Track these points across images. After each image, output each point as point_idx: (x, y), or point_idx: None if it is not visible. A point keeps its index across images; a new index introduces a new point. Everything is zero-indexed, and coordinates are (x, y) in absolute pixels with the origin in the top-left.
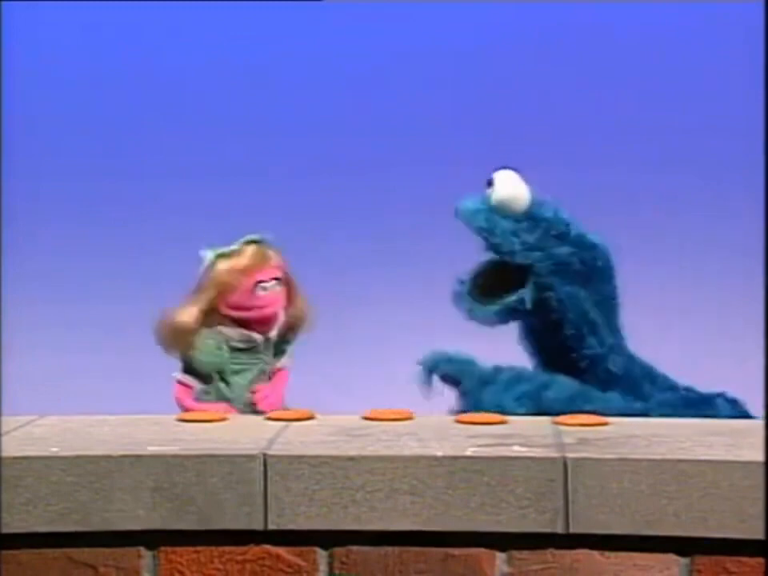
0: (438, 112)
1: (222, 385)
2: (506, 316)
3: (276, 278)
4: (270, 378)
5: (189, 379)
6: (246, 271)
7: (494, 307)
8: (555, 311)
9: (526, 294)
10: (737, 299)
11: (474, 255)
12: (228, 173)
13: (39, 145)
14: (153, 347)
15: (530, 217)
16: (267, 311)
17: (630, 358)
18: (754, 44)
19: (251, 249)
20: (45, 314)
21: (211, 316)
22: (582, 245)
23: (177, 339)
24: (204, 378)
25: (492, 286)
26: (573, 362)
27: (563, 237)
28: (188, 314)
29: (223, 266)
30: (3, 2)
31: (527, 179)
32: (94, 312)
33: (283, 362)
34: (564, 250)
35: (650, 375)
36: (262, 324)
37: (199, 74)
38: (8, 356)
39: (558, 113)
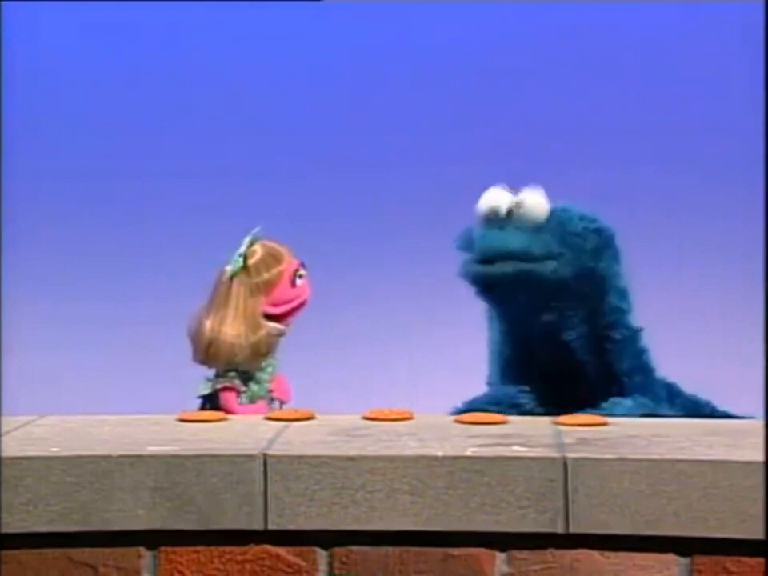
0: (438, 112)
1: (252, 383)
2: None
3: (302, 264)
4: None
5: (236, 383)
6: (276, 264)
7: (527, 266)
8: (598, 285)
9: (566, 262)
10: (737, 299)
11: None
12: (228, 172)
13: (39, 145)
14: (153, 347)
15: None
16: (305, 297)
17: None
18: (754, 44)
19: (259, 246)
20: (45, 314)
21: (253, 324)
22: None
23: (220, 356)
24: (244, 380)
25: None
26: (602, 345)
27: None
28: (234, 330)
29: (260, 272)
30: (3, 2)
31: (526, 179)
32: (93, 312)
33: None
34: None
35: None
36: (297, 314)
37: (199, 74)
38: (8, 356)
39: (557, 113)
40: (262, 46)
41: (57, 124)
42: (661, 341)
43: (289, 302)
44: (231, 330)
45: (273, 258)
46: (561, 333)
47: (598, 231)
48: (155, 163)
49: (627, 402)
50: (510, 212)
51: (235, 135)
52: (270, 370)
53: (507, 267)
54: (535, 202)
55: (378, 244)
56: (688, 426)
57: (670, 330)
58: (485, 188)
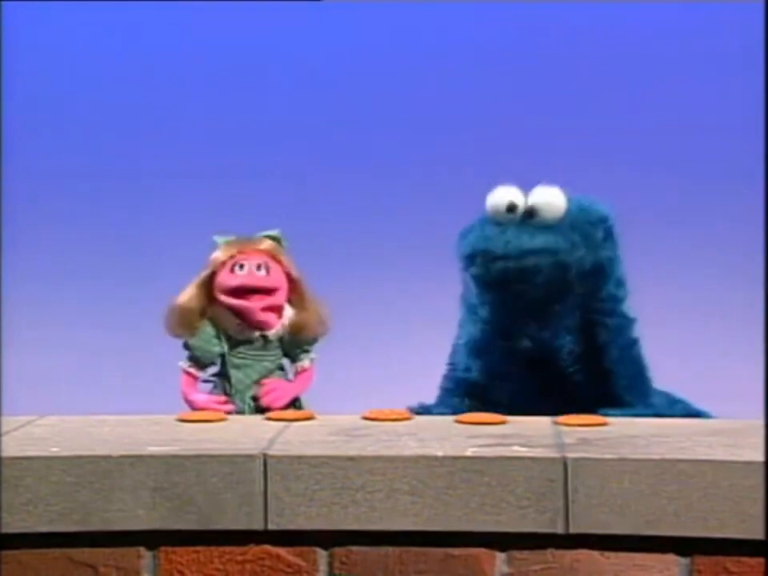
0: (438, 112)
1: (220, 378)
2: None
3: (261, 264)
4: (295, 377)
5: (194, 369)
6: (237, 250)
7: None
8: (602, 272)
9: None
10: (737, 299)
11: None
12: (229, 172)
13: (39, 145)
14: (152, 347)
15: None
16: (243, 302)
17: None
18: (754, 44)
19: (263, 240)
20: (45, 314)
21: (209, 300)
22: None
23: (177, 321)
24: (204, 367)
25: None
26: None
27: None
28: (187, 295)
29: (223, 247)
30: (3, 2)
31: (526, 179)
32: (93, 312)
33: (305, 363)
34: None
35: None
36: (243, 316)
37: (199, 73)
38: (8, 356)
39: (556, 113)
40: (261, 46)
41: (57, 124)
42: (660, 341)
43: (225, 291)
44: (187, 291)
45: (227, 245)
46: (557, 324)
47: (604, 219)
48: (155, 163)
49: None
50: (530, 212)
51: (235, 135)
52: (250, 372)
53: (531, 261)
54: (551, 199)
55: (378, 244)
56: (688, 425)
57: (671, 330)
58: (485, 187)
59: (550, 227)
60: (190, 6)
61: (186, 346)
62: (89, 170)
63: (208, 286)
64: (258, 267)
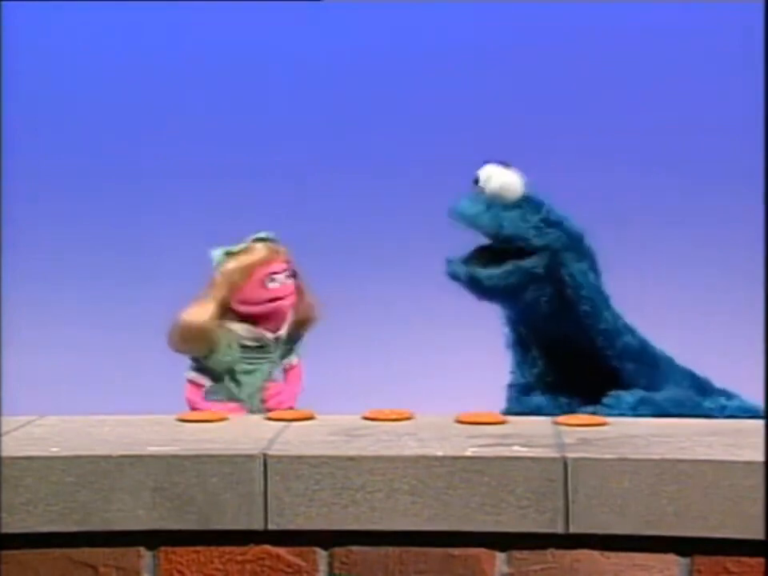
0: (438, 112)
1: (231, 384)
2: (513, 281)
3: (287, 271)
4: (285, 376)
5: (201, 378)
6: (256, 264)
7: (506, 267)
8: (568, 285)
9: (538, 260)
10: (736, 299)
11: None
12: (229, 172)
13: (39, 145)
14: (152, 347)
15: (528, 200)
16: (278, 304)
17: (643, 340)
18: (754, 44)
19: (260, 245)
20: (45, 314)
21: (223, 314)
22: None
23: (191, 339)
24: (215, 377)
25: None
26: (585, 344)
27: (561, 219)
28: (202, 313)
29: (233, 262)
30: (3, 2)
31: (526, 179)
32: (94, 311)
33: (294, 359)
34: (574, 228)
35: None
36: (273, 319)
37: (199, 74)
38: (8, 356)
39: (556, 113)
40: (261, 46)
41: (57, 124)
42: (661, 341)
43: (257, 302)
44: (196, 310)
45: (257, 259)
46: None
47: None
48: (155, 163)
49: (628, 398)
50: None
51: (235, 135)
52: (258, 375)
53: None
54: (508, 182)
55: (378, 244)
56: (688, 425)
57: (670, 330)
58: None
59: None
60: (190, 6)
61: (195, 358)
62: (89, 170)
63: (225, 300)
64: (287, 276)
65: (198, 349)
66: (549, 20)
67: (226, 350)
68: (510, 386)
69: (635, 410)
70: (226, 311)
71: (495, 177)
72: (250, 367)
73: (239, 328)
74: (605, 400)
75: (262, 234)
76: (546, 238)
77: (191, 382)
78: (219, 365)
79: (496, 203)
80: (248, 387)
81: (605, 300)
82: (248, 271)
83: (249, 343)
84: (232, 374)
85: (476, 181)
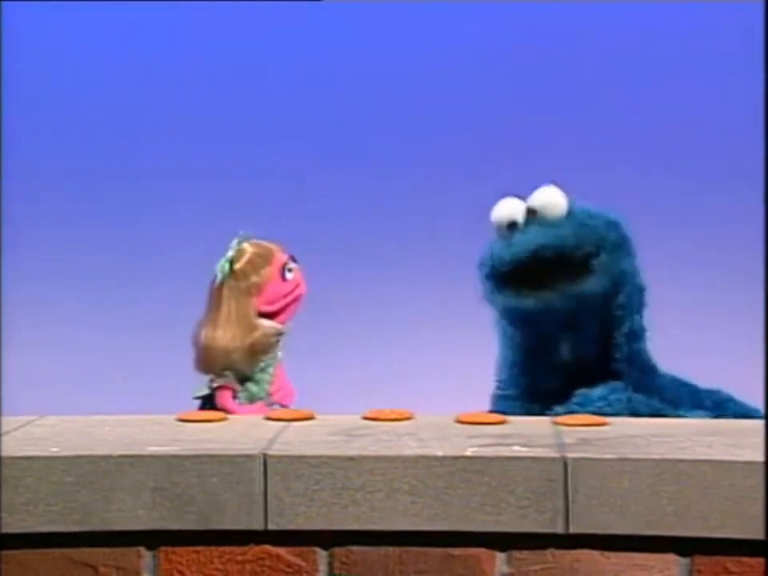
0: (438, 112)
1: (250, 384)
2: (561, 305)
3: (290, 258)
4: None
5: (232, 382)
6: (269, 261)
7: (551, 295)
8: (617, 283)
9: (598, 278)
10: (736, 299)
11: (474, 254)
12: (229, 173)
13: (39, 145)
14: (152, 347)
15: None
16: (299, 292)
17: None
18: (754, 44)
19: (248, 246)
20: (45, 314)
21: (246, 325)
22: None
23: (222, 361)
24: (240, 379)
25: (532, 275)
26: (592, 352)
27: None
28: (229, 335)
29: (239, 269)
30: (3, 2)
31: (526, 179)
32: (93, 311)
33: (280, 353)
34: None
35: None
36: (294, 310)
37: (199, 74)
38: (8, 356)
39: (556, 113)
40: (261, 46)
41: (57, 124)
42: (660, 342)
43: (283, 296)
44: (224, 333)
45: (260, 258)
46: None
47: (614, 224)
48: (155, 163)
49: (596, 392)
50: (530, 212)
51: (235, 135)
52: (270, 371)
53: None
54: (549, 198)
55: (378, 244)
56: (688, 425)
57: (670, 330)
58: (485, 188)
59: (552, 225)
60: (190, 6)
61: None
62: (89, 170)
63: (249, 310)
64: (293, 262)
65: (224, 368)
66: (549, 20)
67: (267, 357)
68: (497, 396)
69: (607, 400)
70: (248, 320)
71: (538, 195)
72: (264, 364)
73: (268, 327)
74: (574, 400)
75: (243, 235)
76: (607, 239)
77: (223, 387)
78: (259, 371)
79: (543, 222)
80: (264, 384)
81: (641, 301)
82: (266, 271)
83: (271, 340)
84: (251, 374)
85: (530, 212)
